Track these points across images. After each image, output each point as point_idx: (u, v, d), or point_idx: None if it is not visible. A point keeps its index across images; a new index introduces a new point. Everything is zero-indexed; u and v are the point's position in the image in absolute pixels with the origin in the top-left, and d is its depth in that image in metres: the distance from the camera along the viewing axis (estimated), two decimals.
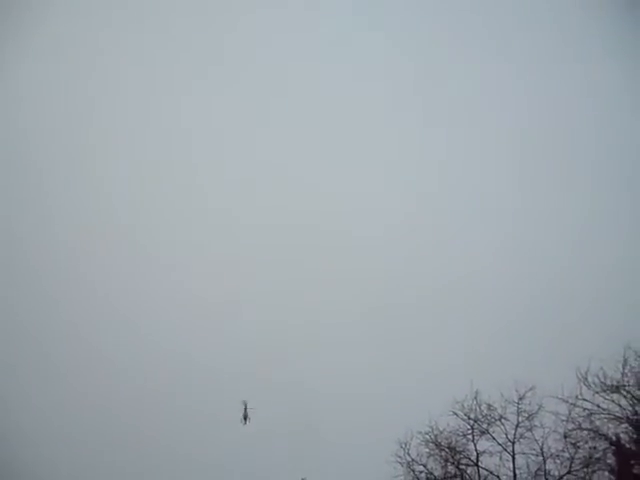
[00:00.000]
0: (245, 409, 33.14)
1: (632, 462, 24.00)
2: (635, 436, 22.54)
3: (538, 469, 22.86)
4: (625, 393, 20.67)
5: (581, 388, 21.28)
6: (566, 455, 22.27)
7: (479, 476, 23.95)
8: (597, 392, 20.99)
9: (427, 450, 24.70)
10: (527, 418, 23.29)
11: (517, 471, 23.15)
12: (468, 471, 24.28)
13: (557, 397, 21.74)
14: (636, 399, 20.63)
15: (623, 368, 20.61)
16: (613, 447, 22.06)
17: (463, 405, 24.25)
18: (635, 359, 20.54)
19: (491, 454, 24.00)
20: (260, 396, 37.00)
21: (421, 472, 24.52)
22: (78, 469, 35.88)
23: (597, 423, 21.36)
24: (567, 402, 21.53)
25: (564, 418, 21.86)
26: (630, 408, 20.85)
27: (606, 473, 22.32)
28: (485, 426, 24.03)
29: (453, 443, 24.57)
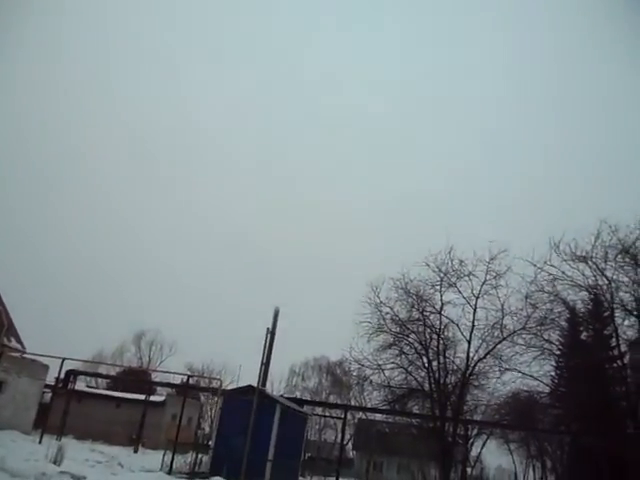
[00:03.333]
0: None
1: (581, 328, 25.98)
2: (589, 306, 24.08)
3: (495, 323, 24.32)
4: (591, 264, 21.34)
5: (551, 255, 21.77)
6: (524, 314, 23.48)
7: (440, 323, 25.51)
8: (565, 260, 21.57)
9: (396, 295, 25.67)
10: (494, 277, 24.17)
11: (476, 322, 24.65)
12: (431, 317, 25.67)
13: (526, 260, 22.38)
14: (600, 271, 21.44)
15: (595, 241, 21.01)
16: (568, 311, 23.60)
17: (436, 258, 24.80)
18: (608, 234, 20.91)
19: (454, 305, 25.27)
20: None
21: (387, 313, 25.67)
22: None
23: (559, 288, 22.19)
24: (535, 266, 22.12)
25: (529, 280, 22.62)
26: (592, 278, 21.68)
27: (557, 332, 24.03)
28: (454, 280, 24.91)
29: (421, 292, 25.60)
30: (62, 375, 31.57)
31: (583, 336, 26.42)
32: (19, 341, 37.94)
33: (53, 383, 34.15)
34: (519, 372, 24.04)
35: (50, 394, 35.03)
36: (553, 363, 25.20)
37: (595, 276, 21.68)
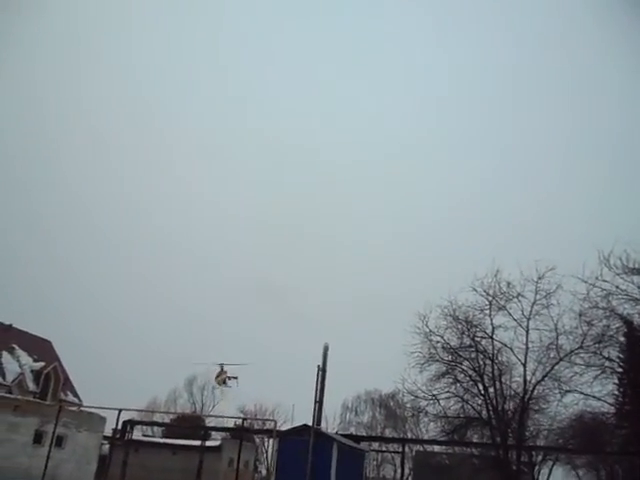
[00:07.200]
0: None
1: None
2: None
3: (550, 343, 23.71)
4: None
5: (602, 269, 21.08)
6: (579, 332, 22.81)
7: (493, 347, 24.96)
8: (618, 274, 20.85)
9: (445, 322, 25.42)
10: (544, 296, 23.70)
11: (530, 344, 24.10)
12: (483, 343, 25.20)
13: (577, 277, 21.76)
14: None
15: None
16: (625, 326, 22.70)
17: (483, 282, 24.59)
18: None
19: (506, 328, 24.82)
20: None
21: (437, 342, 25.41)
22: None
23: (614, 303, 21.45)
24: (586, 282, 21.43)
25: (581, 297, 21.92)
26: None
27: (616, 349, 23.11)
28: (503, 302, 24.54)
29: (470, 317, 25.26)
30: (119, 426, 31.93)
31: None
32: (75, 395, 38.80)
33: (110, 434, 34.58)
34: (581, 393, 23.25)
35: (108, 445, 35.43)
36: (616, 381, 24.15)
37: None
